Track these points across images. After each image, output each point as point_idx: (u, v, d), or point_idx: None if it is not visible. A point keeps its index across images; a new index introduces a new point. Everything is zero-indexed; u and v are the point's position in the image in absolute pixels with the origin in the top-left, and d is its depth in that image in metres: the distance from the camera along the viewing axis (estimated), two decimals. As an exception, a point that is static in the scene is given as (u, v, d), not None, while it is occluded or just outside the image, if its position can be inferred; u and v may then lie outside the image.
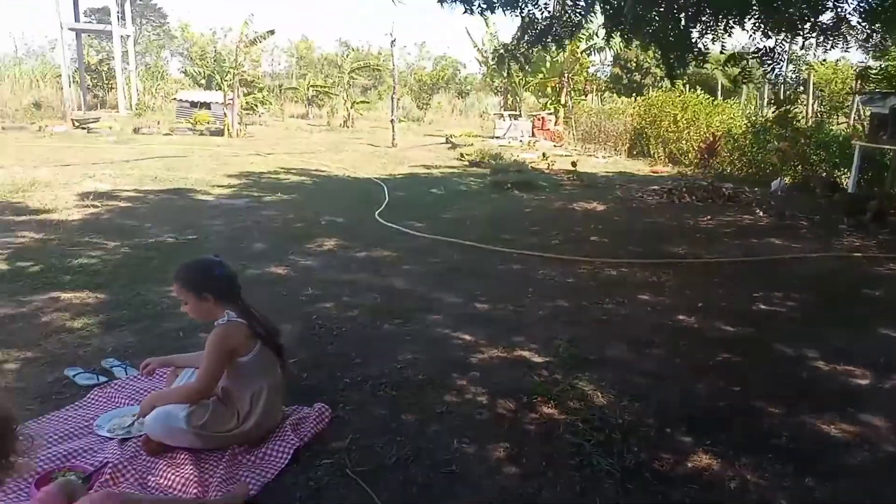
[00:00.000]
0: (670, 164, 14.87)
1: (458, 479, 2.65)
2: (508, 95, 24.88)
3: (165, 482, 2.57)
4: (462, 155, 14.93)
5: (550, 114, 20.17)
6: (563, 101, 20.23)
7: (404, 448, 2.84)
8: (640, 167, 14.52)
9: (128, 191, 8.96)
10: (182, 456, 2.71)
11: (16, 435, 1.97)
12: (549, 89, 21.51)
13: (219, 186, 9.75)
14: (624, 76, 28.53)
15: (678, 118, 15.37)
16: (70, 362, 3.56)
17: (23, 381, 3.34)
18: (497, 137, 19.50)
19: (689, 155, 14.82)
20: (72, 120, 19.35)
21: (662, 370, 3.76)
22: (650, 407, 3.27)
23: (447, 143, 18.44)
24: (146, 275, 5.16)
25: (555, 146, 17.41)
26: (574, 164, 12.42)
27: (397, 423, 3.05)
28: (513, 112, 22.89)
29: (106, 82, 26.36)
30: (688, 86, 18.82)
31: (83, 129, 18.23)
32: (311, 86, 29.95)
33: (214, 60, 23.47)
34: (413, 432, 2.98)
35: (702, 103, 15.64)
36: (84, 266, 5.29)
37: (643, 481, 2.67)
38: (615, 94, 23.53)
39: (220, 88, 21.00)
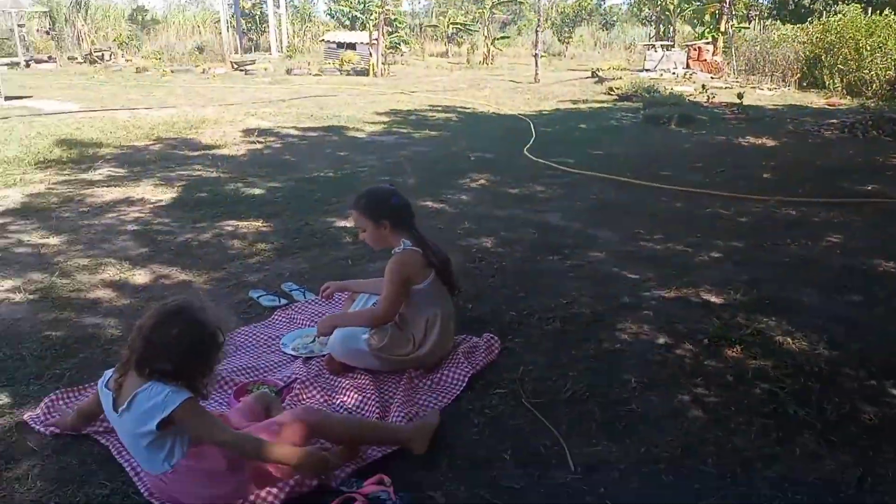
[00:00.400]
0: (848, 97, 13.30)
1: (638, 418, 2.55)
2: (660, 25, 23.23)
3: (349, 400, 2.67)
4: (610, 89, 14.21)
5: (708, 43, 18.62)
6: (722, 30, 18.58)
7: (578, 384, 2.76)
8: (812, 99, 13.12)
9: (286, 128, 9.37)
10: (363, 377, 2.80)
11: (223, 348, 2.10)
12: (707, 16, 19.82)
13: (369, 124, 9.96)
14: (791, 0, 25.71)
15: (861, 45, 13.63)
16: (253, 285, 3.79)
17: (213, 300, 3.58)
18: (647, 70, 18.35)
19: (874, 86, 13.17)
20: (230, 62, 20.50)
21: (859, 317, 3.40)
22: (850, 356, 2.96)
23: (593, 77, 17.64)
24: (311, 207, 5.38)
25: (712, 78, 16.10)
26: (740, 95, 11.43)
27: (568, 359, 2.98)
28: (665, 43, 21.41)
29: (259, 26, 27.57)
30: (870, 8, 16.60)
31: (241, 70, 19.27)
32: (452, 23, 29.63)
33: (359, 1, 23.77)
34: (586, 369, 2.89)
35: (891, 26, 13.74)
36: (255, 197, 5.61)
37: (848, 434, 2.42)
38: (778, 21, 21.27)
39: (365, 28, 21.30)
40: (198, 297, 2.20)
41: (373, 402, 2.63)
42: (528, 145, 8.18)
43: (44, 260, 4.11)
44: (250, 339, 3.17)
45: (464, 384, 2.75)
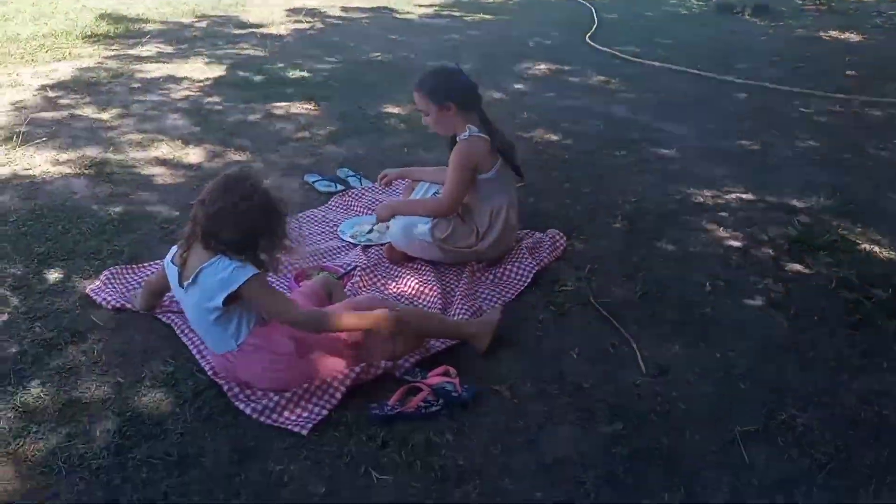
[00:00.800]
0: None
1: (712, 321, 2.43)
2: None
3: (409, 290, 2.60)
4: (678, -26, 13.13)
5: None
6: None
7: (649, 284, 2.64)
8: (902, -10, 11.94)
9: (335, 7, 8.94)
10: (424, 268, 2.71)
11: (287, 221, 2.01)
12: None
13: (420, 5, 9.42)
14: None
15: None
16: (307, 168, 3.68)
17: (267, 182, 3.49)
18: (718, -46, 16.89)
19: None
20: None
21: (955, 229, 3.15)
22: (945, 269, 2.76)
23: (658, -40, 16.32)
24: (363, 90, 5.16)
25: (790, -36, 14.75)
26: (823, -17, 10.42)
27: (638, 258, 2.84)
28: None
29: None
30: None
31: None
32: None
33: None
34: (658, 268, 2.76)
35: None
36: (305, 79, 5.39)
37: (944, 351, 2.27)
38: None
39: None
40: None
41: (434, 294, 2.55)
42: (590, 32, 7.67)
43: (96, 135, 4.04)
44: (309, 224, 3.10)
45: (528, 280, 2.65)
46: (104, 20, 7.24)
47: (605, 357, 2.25)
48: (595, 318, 2.44)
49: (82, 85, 5.00)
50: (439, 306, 2.49)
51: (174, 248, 2.06)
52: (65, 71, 5.36)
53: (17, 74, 5.26)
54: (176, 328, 2.26)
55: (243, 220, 1.89)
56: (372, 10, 8.94)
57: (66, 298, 2.43)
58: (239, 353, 1.98)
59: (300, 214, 3.16)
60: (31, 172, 3.47)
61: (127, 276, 2.57)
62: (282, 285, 2.58)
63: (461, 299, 2.50)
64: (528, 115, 4.70)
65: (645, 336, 2.34)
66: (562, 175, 3.69)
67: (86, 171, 3.51)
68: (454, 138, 2.74)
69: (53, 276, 2.57)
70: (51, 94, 4.78)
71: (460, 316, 2.41)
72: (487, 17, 8.79)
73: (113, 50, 6.13)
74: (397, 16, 8.68)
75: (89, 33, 6.66)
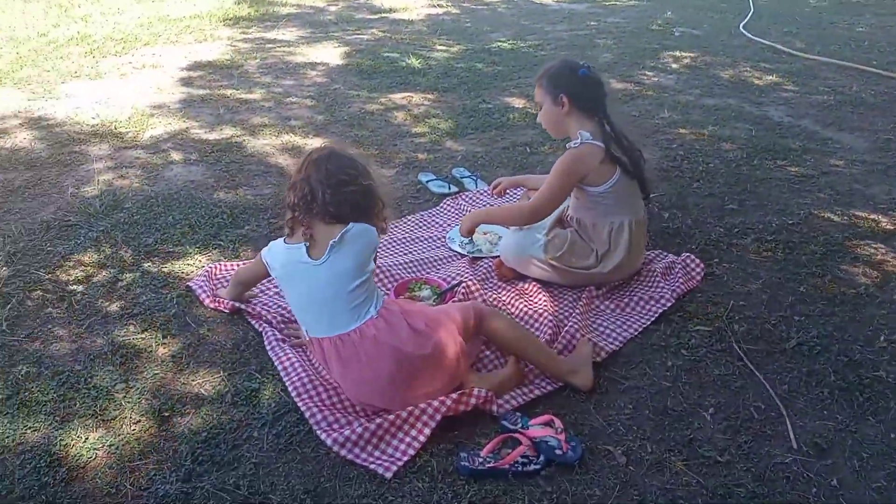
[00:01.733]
0: None
1: (890, 389, 1.97)
2: None
3: (516, 312, 2.32)
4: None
5: None
6: None
7: (807, 332, 2.20)
8: None
9: (470, -9, 8.72)
10: (536, 288, 2.43)
11: (382, 200, 1.99)
12: None
13: (558, -11, 8.99)
14: None
15: None
16: (423, 166, 3.48)
17: (382, 178, 3.34)
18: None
19: None
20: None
21: None
22: None
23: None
24: (490, 82, 4.89)
25: None
26: None
27: (794, 297, 2.39)
28: None
29: None
30: None
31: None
32: None
33: None
34: (818, 312, 2.30)
35: None
36: (432, 67, 5.20)
37: None
38: None
39: None
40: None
41: (545, 320, 2.25)
42: (744, 21, 6.94)
43: (223, 119, 4.06)
44: (416, 229, 2.90)
45: (656, 314, 2.29)
46: (245, 2, 7.45)
47: (748, 423, 1.86)
48: (737, 370, 2.05)
49: (217, 68, 5.10)
50: (549, 334, 2.19)
51: (275, 243, 1.98)
52: (204, 53, 5.51)
53: (161, 56, 5.47)
54: (266, 340, 2.12)
55: (358, 189, 1.90)
56: (508, -7, 8.63)
57: (164, 296, 2.37)
58: (379, 319, 1.86)
59: (410, 217, 2.97)
60: (154, 157, 3.52)
61: (225, 271, 2.49)
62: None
63: (574, 330, 2.18)
64: (668, 115, 4.24)
65: (799, 400, 1.93)
66: (703, 187, 3.25)
67: (207, 157, 3.51)
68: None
69: (156, 268, 2.53)
70: (186, 76, 4.90)
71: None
72: (632, 2, 8.23)
73: (250, 33, 6.25)
74: (533, 0, 8.32)
75: (231, 16, 6.85)
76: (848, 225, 2.86)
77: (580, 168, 2.34)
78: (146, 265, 2.55)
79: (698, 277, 2.49)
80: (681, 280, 2.44)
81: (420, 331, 1.87)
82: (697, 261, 2.55)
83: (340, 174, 1.88)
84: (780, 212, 2.99)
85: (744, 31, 6.53)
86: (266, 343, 2.11)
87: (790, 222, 2.89)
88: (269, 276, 2.08)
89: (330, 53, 5.60)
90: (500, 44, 5.99)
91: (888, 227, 2.85)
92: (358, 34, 6.31)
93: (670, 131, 3.96)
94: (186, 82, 4.77)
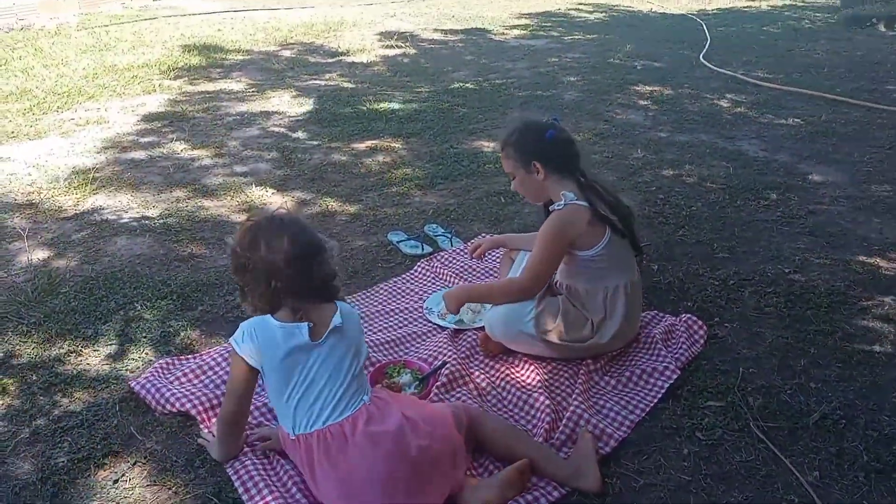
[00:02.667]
0: None
1: (931, 468, 1.77)
2: None
3: (508, 397, 2.08)
4: (796, -17, 12.07)
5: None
6: None
7: (827, 402, 2.00)
8: None
9: (427, 30, 8.61)
10: (528, 365, 2.19)
11: (327, 261, 1.73)
12: None
13: (516, 27, 8.96)
14: None
15: None
16: (392, 223, 3.24)
17: (350, 239, 3.10)
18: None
19: None
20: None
21: None
22: None
23: (772, -32, 15.18)
24: (457, 125, 4.71)
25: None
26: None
27: (807, 361, 2.20)
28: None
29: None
30: None
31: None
32: None
33: None
34: (835, 378, 2.11)
35: None
36: (394, 113, 5.00)
37: None
38: None
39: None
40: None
41: (542, 405, 2.01)
42: (703, 51, 6.95)
43: (172, 179, 3.78)
44: (390, 299, 2.65)
45: (663, 389, 2.07)
46: (199, 50, 7.19)
47: (781, 520, 1.65)
48: (760, 455, 1.83)
49: (166, 122, 4.82)
50: (547, 417, 1.95)
51: (259, 322, 1.68)
52: (151, 106, 5.22)
53: (106, 109, 5.17)
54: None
55: (330, 262, 1.73)
56: (465, 31, 8.56)
57: (104, 402, 2.06)
58: (371, 405, 1.66)
59: (381, 285, 2.72)
60: (94, 230, 3.20)
61: (175, 366, 2.19)
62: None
63: (573, 415, 1.94)
64: (642, 154, 4.10)
65: (834, 488, 1.72)
66: (690, 234, 3.08)
67: (154, 226, 3.21)
68: (548, 206, 2.23)
69: (94, 368, 2.22)
70: (133, 132, 4.61)
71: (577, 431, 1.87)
72: (590, 36, 8.23)
73: (199, 83, 5.98)
74: (492, 37, 8.25)
75: (180, 65, 6.59)
76: (847, 272, 2.71)
77: (569, 231, 2.13)
78: (83, 364, 2.23)
79: (701, 342, 2.29)
80: (684, 346, 2.24)
81: (414, 420, 1.64)
82: (700, 322, 2.35)
83: (317, 246, 1.70)
84: (773, 259, 2.83)
85: (704, 62, 6.52)
86: (228, 466, 1.80)
87: (786, 270, 2.73)
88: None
89: (286, 101, 5.37)
90: (462, 84, 5.84)
91: (888, 272, 2.70)
92: (314, 80, 6.10)
93: (647, 172, 3.81)
94: (133, 139, 4.48)
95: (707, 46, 7.23)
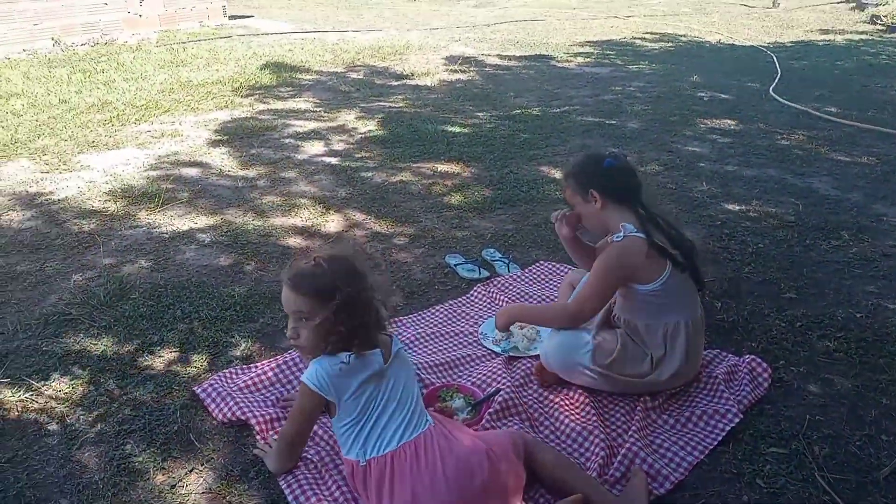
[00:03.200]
0: None
1: None
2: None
3: (562, 428, 2.05)
4: (875, 17, 11.71)
5: None
6: None
7: (901, 457, 1.90)
8: None
9: (491, 55, 8.69)
10: (581, 398, 2.16)
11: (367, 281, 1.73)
12: None
13: (580, 54, 8.95)
14: None
15: None
16: (450, 245, 3.26)
17: (408, 260, 3.13)
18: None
19: None
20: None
21: None
22: None
23: (849, 1, 14.78)
24: (517, 151, 4.72)
25: None
26: None
27: (878, 412, 2.10)
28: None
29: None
30: None
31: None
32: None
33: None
34: (910, 431, 2.01)
35: None
36: (456, 135, 5.05)
37: None
38: None
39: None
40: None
41: (596, 439, 1.98)
42: (773, 84, 6.79)
43: (239, 195, 3.90)
44: (445, 322, 2.65)
45: (723, 432, 2.01)
46: (270, 69, 7.44)
47: (848, 580, 1.56)
48: (824, 507, 1.75)
49: (236, 137, 4.99)
50: (601, 459, 1.91)
51: (332, 362, 1.69)
52: (223, 121, 5.41)
53: (180, 123, 5.38)
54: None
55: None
56: (530, 58, 8.60)
57: (166, 407, 2.12)
58: (436, 427, 1.72)
59: (437, 307, 2.73)
60: (165, 240, 3.32)
61: (237, 380, 2.24)
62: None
63: (628, 451, 1.90)
64: (707, 187, 4.02)
65: (907, 551, 1.63)
66: (756, 272, 2.99)
67: (220, 239, 3.32)
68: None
69: (159, 372, 2.30)
70: (204, 146, 4.79)
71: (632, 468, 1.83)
72: (655, 66, 8.14)
73: (271, 100, 6.18)
74: (555, 64, 8.26)
75: (253, 83, 6.82)
76: (924, 319, 2.58)
77: (625, 262, 2.10)
78: (148, 369, 2.31)
79: (765, 385, 2.22)
80: (748, 389, 2.17)
81: (483, 445, 1.69)
82: (764, 365, 2.27)
83: (367, 286, 1.74)
84: (844, 302, 2.72)
85: (774, 96, 6.36)
86: (281, 479, 1.83)
87: (858, 315, 2.62)
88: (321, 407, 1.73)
89: (353, 122, 5.49)
90: (524, 110, 5.86)
91: (971, 321, 2.56)
92: (378, 101, 6.22)
93: (712, 206, 3.73)
94: (205, 153, 4.65)
95: (777, 79, 7.06)
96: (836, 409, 2.11)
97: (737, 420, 2.02)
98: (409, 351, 2.42)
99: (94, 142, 4.88)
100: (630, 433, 1.99)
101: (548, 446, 1.91)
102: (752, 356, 2.32)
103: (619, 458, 1.89)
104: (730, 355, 2.36)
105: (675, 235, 2.18)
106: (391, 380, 1.71)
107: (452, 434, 1.69)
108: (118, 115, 5.58)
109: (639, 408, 2.11)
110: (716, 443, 1.97)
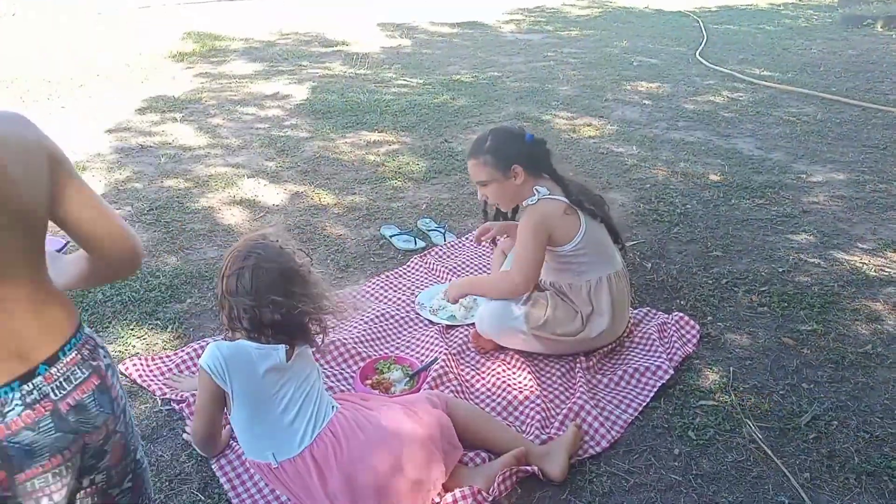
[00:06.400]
0: None
1: (920, 471, 1.76)
2: None
3: (500, 393, 2.07)
4: (794, -19, 12.06)
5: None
6: None
7: (821, 404, 2.00)
8: None
9: (424, 23, 8.57)
10: (518, 362, 2.17)
11: (305, 277, 1.62)
12: None
13: (513, 21, 8.94)
14: None
15: None
16: (385, 216, 3.22)
17: (343, 233, 3.07)
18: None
19: None
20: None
21: None
22: None
23: (770, -34, 15.17)
24: (450, 119, 4.68)
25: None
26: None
27: (800, 361, 2.19)
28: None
29: None
30: None
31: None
32: None
33: None
34: (827, 379, 2.10)
35: None
36: (389, 104, 4.97)
37: None
38: None
39: None
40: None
41: (532, 400, 2.01)
42: (699, 48, 6.95)
43: (166, 168, 3.73)
44: (382, 293, 2.62)
45: (655, 388, 2.06)
46: (190, 38, 7.13)
47: (772, 523, 1.64)
48: (752, 455, 1.83)
49: (158, 111, 4.77)
50: (538, 419, 1.94)
51: (233, 347, 1.58)
52: (144, 94, 5.17)
53: (97, 97, 5.11)
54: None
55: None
56: (464, 24, 8.52)
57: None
58: (340, 413, 1.66)
59: (373, 279, 2.70)
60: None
61: (160, 364, 2.16)
62: (343, 378, 2.12)
63: (576, 407, 1.93)
64: (636, 150, 4.09)
65: (824, 490, 1.72)
66: (683, 232, 3.06)
67: (144, 216, 3.18)
68: (517, 209, 2.22)
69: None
70: (124, 120, 4.56)
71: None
72: (585, 31, 8.20)
73: (195, 70, 5.94)
74: (490, 31, 8.21)
75: (176, 53, 6.53)
76: (840, 272, 2.70)
77: (545, 223, 2.11)
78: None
79: (694, 341, 2.28)
80: (677, 345, 2.23)
81: (388, 409, 1.71)
82: (692, 322, 2.34)
83: (294, 272, 1.64)
84: (767, 258, 2.82)
85: (701, 59, 6.50)
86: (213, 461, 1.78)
87: (780, 270, 2.72)
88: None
89: (281, 91, 5.33)
90: (459, 77, 5.81)
91: (882, 273, 2.69)
92: (311, 69, 6.05)
93: (642, 169, 3.80)
94: (124, 127, 4.43)
95: (703, 44, 7.22)
96: (761, 360, 2.20)
97: (668, 376, 2.07)
98: (347, 324, 2.38)
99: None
100: (578, 395, 2.01)
101: (462, 401, 1.91)
102: (681, 314, 2.38)
103: (557, 421, 1.92)
104: (660, 313, 2.42)
105: (582, 192, 2.20)
106: (294, 377, 1.61)
107: (363, 406, 1.68)
108: (29, 90, 5.26)
109: (577, 368, 2.14)
110: (648, 399, 2.02)
